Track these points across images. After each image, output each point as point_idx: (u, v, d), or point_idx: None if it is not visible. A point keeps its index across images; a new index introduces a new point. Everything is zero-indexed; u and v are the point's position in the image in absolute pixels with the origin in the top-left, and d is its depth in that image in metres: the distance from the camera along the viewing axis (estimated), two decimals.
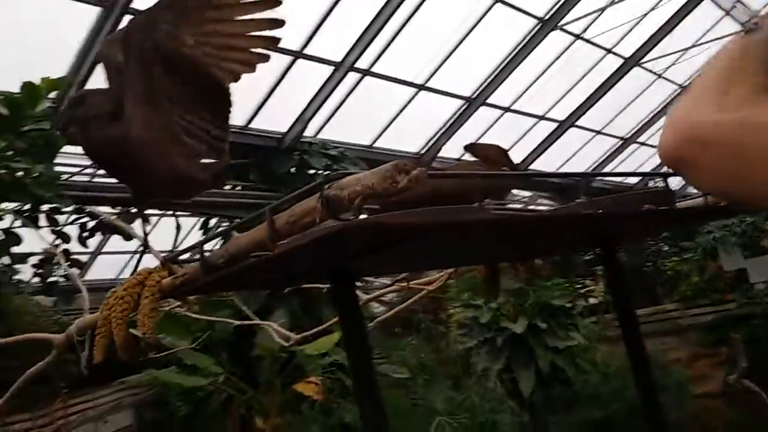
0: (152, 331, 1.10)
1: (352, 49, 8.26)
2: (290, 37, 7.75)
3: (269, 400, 8.63)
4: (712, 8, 11.68)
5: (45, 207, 5.88)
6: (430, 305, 15.43)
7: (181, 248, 1.34)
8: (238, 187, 9.19)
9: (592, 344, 13.25)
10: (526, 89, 11.09)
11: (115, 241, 9.23)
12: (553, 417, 11.61)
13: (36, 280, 7.25)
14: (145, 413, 13.49)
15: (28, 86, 4.40)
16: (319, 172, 8.89)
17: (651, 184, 13.01)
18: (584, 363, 12.58)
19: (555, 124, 12.27)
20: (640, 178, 14.94)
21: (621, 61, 11.69)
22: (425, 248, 1.13)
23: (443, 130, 10.71)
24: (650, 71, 12.49)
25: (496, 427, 10.19)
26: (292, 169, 8.83)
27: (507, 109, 11.23)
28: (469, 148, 1.42)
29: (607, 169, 14.19)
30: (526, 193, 13.97)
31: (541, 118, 11.98)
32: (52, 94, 4.98)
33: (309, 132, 9.04)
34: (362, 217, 0.87)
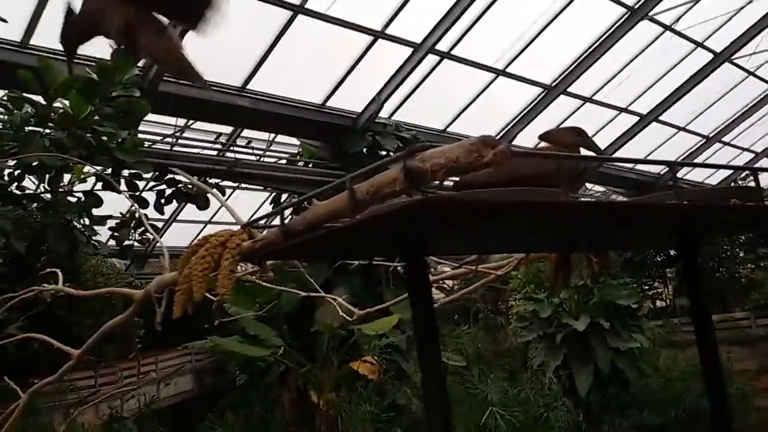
0: (231, 293, 1.14)
1: (433, 30, 8.20)
2: (372, 17, 7.76)
3: (325, 375, 8.79)
4: None
5: (126, 172, 6.12)
6: (489, 295, 15.36)
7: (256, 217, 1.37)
8: (310, 165, 9.36)
9: (655, 348, 12.90)
10: (609, 80, 10.74)
11: (189, 211, 9.55)
12: (608, 418, 11.38)
13: (112, 243, 7.55)
14: (205, 379, 14.03)
15: (118, 53, 4.56)
16: (390, 153, 8.93)
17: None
18: (646, 366, 12.27)
19: (636, 118, 11.89)
20: (722, 178, 14.37)
21: (711, 56, 11.17)
22: (502, 229, 1.13)
23: (519, 117, 10.52)
24: (741, 68, 11.89)
25: (550, 423, 10.07)
26: (364, 150, 8.91)
27: (588, 100, 10.94)
28: (543, 136, 1.39)
29: (687, 169, 13.67)
30: (599, 188, 13.63)
31: (623, 110, 11.61)
32: (141, 62, 5.17)
33: (383, 113, 9.07)
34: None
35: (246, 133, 9.38)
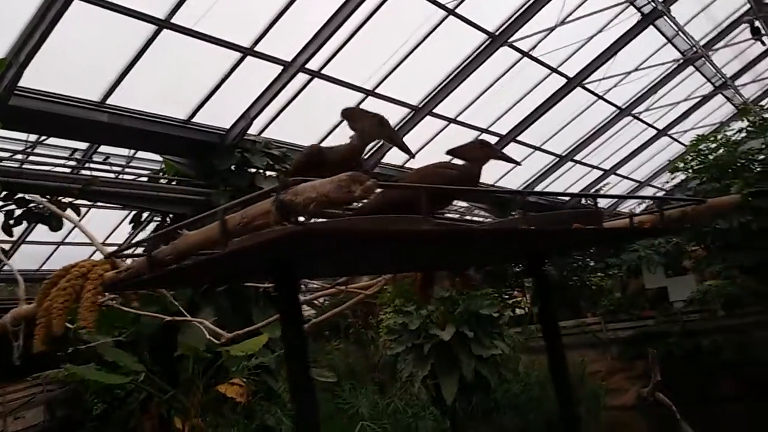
0: (93, 325, 1.10)
1: (303, 49, 8.23)
2: (241, 33, 7.65)
3: (190, 400, 8.45)
4: (656, 35, 12.35)
5: None
6: (360, 310, 15.49)
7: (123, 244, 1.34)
8: (174, 182, 9.01)
9: (515, 354, 13.60)
10: (472, 102, 11.32)
11: (39, 232, 8.88)
12: (474, 424, 11.84)
13: None
14: (57, 411, 13.00)
15: None
16: (260, 171, 8.82)
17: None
18: (506, 372, 12.90)
19: (497, 138, 12.59)
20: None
21: (564, 80, 12.08)
22: (370, 253, 1.18)
23: None
24: (592, 92, 12.98)
25: None
26: (233, 167, 8.73)
27: (452, 121, 11.43)
28: (451, 152, 1.48)
29: (543, 184, 14.65)
30: (464, 204, 14.24)
31: (484, 131, 12.24)
32: None
33: (253, 130, 8.96)
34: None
35: (104, 149, 8.90)
